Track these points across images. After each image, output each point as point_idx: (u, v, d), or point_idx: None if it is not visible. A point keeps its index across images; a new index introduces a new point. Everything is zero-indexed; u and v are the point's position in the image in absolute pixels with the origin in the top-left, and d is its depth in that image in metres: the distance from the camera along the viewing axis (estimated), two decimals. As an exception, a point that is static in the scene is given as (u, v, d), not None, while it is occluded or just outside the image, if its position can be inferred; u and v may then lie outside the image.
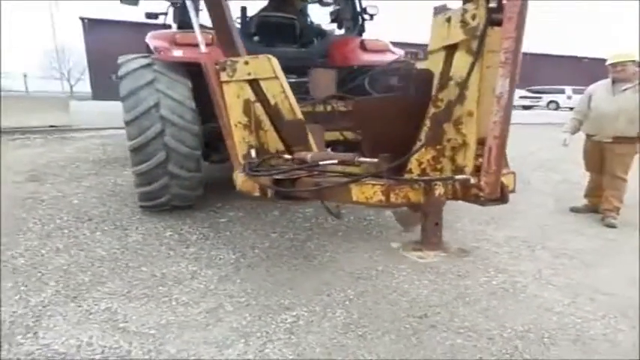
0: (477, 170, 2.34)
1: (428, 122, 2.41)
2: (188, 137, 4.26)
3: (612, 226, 4.56)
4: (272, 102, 3.38)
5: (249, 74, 3.31)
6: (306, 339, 2.52)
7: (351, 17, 5.90)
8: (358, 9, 5.84)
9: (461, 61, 2.29)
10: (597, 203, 4.92)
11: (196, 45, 4.43)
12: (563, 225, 4.58)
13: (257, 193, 2.88)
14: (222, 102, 3.39)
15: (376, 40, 5.33)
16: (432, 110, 2.40)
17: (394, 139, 2.54)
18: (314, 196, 2.74)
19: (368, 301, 2.97)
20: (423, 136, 2.43)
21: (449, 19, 2.31)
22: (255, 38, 5.59)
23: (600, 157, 4.84)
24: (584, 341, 2.55)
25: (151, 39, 4.80)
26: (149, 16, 6.35)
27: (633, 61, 4.73)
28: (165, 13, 6.15)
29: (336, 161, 2.67)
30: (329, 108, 4.20)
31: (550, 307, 2.90)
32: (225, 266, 3.45)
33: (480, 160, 2.30)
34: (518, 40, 2.01)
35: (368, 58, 5.10)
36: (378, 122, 2.60)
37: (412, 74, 2.73)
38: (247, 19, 5.97)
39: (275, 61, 3.44)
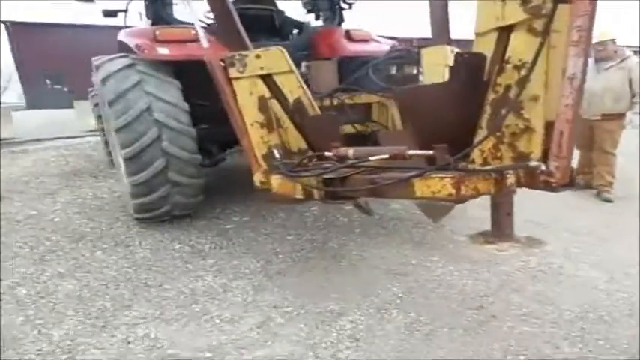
0: (543, 155, 2.24)
1: (488, 109, 2.27)
2: (187, 141, 3.99)
3: (609, 201, 4.75)
4: (290, 97, 3.21)
5: (261, 69, 3.11)
6: (374, 344, 2.39)
7: (329, 7, 5.77)
8: None
9: (520, 43, 2.16)
10: (590, 179, 5.11)
11: (182, 41, 4.19)
12: (564, 203, 4.70)
13: (299, 196, 2.70)
14: (233, 100, 3.16)
15: (360, 30, 5.24)
16: (491, 96, 2.27)
17: (446, 128, 2.38)
18: (370, 195, 2.59)
19: (418, 297, 2.88)
20: (484, 123, 2.29)
21: None
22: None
23: (589, 135, 5.02)
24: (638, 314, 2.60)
25: (128, 37, 4.45)
26: (107, 13, 5.89)
27: (612, 40, 4.93)
28: (126, 10, 5.74)
29: (387, 156, 2.53)
30: (335, 101, 4.06)
31: (594, 285, 2.95)
32: (255, 275, 3.24)
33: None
34: (592, 15, 1.89)
35: (356, 48, 4.99)
36: (429, 112, 2.47)
37: (462, 59, 2.52)
38: None
39: (287, 54, 3.26)
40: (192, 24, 5.04)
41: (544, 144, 2.22)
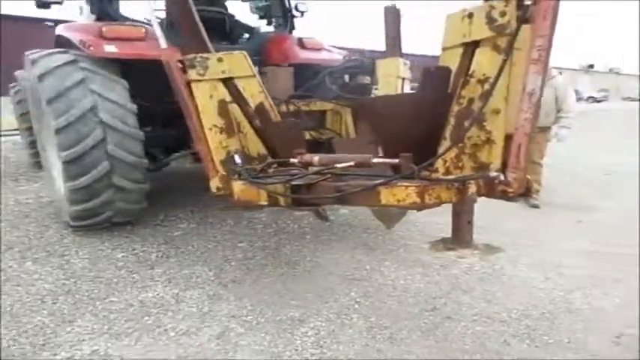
0: (502, 166, 2.30)
1: (452, 120, 2.34)
2: (133, 144, 3.81)
3: (536, 207, 5.15)
4: (251, 102, 3.16)
5: (223, 72, 3.04)
6: (339, 350, 2.40)
7: (282, 14, 5.77)
8: (287, 5, 5.73)
9: (484, 58, 2.26)
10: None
11: (131, 39, 3.99)
12: (497, 209, 5.01)
13: (264, 202, 2.65)
14: (190, 103, 3.05)
15: (311, 38, 5.30)
16: (455, 108, 2.33)
17: (411, 138, 2.45)
18: (336, 202, 2.58)
19: (375, 301, 2.93)
20: (448, 134, 2.37)
21: (470, 16, 2.28)
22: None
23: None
24: (575, 311, 2.83)
25: (70, 32, 4.18)
26: (40, 4, 5.47)
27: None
28: (60, 2, 5.37)
29: (352, 163, 2.54)
30: (291, 108, 4.05)
31: (534, 285, 3.17)
32: (208, 284, 3.13)
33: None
34: (551, 37, 2.01)
35: (308, 55, 5.04)
36: (394, 121, 2.52)
37: (429, 71, 2.61)
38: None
39: (249, 58, 3.22)
40: (141, 21, 4.85)
41: (503, 155, 2.30)
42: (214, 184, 3.02)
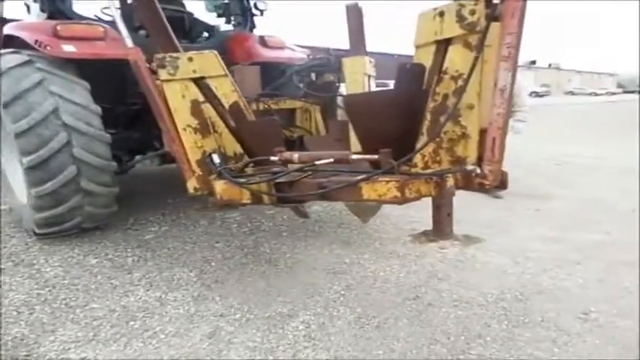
0: (478, 159, 2.36)
1: (428, 116, 2.39)
2: (100, 147, 3.71)
3: (499, 197, 5.41)
4: (225, 101, 3.17)
5: (194, 72, 3.04)
6: (331, 341, 2.46)
7: (241, 12, 5.75)
8: (246, 4, 5.72)
9: (457, 56, 2.33)
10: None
11: (89, 39, 3.88)
12: (463, 200, 5.23)
13: (247, 200, 2.67)
14: (162, 103, 3.02)
15: (273, 36, 5.32)
16: (431, 104, 2.39)
17: (388, 134, 2.51)
18: (319, 198, 2.65)
19: (359, 293, 3.01)
20: (425, 130, 2.41)
21: (442, 14, 2.34)
22: (142, 32, 5.05)
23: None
24: (544, 292, 3.02)
25: (21, 31, 4.00)
26: None
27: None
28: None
29: (331, 160, 2.60)
30: (261, 106, 4.06)
31: (504, 270, 3.35)
32: (191, 286, 3.11)
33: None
34: (519, 35, 2.07)
35: (271, 54, 5.06)
36: (372, 118, 2.58)
37: (404, 68, 2.64)
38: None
39: (220, 58, 3.23)
40: (95, 19, 4.70)
41: (479, 149, 2.36)
42: (191, 184, 3.01)
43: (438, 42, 2.40)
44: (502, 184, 2.37)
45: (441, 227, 2.48)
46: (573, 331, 2.53)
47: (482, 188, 2.34)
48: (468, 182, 2.37)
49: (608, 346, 2.40)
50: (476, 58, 2.23)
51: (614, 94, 73.32)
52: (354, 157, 2.53)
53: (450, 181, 2.35)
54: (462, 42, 2.28)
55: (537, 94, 57.34)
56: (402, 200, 2.35)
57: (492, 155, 2.19)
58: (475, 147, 2.35)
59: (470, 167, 2.33)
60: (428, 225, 2.75)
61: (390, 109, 2.54)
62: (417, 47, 2.53)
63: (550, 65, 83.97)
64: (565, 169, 7.38)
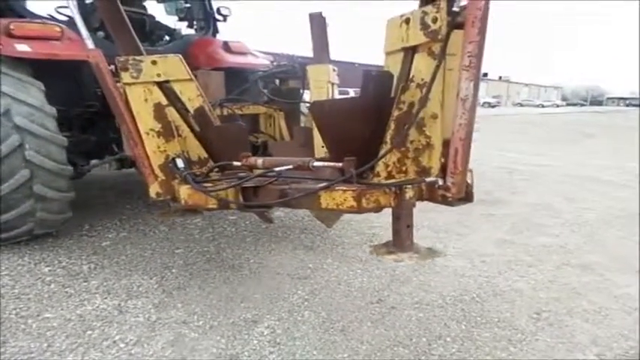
0: (442, 171, 2.29)
1: (392, 125, 2.33)
2: (55, 150, 3.57)
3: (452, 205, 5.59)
4: (189, 106, 3.14)
5: (159, 75, 2.99)
6: (295, 345, 2.47)
7: (204, 17, 5.70)
8: (209, 9, 5.67)
9: (422, 64, 2.26)
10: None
11: (44, 38, 3.75)
12: (418, 205, 5.39)
13: (212, 205, 2.64)
14: (124, 107, 2.96)
15: (237, 42, 5.30)
16: (395, 113, 2.33)
17: (354, 141, 2.43)
18: (281, 205, 2.62)
19: (323, 297, 3.04)
20: (388, 138, 2.35)
21: (407, 21, 2.30)
22: (100, 34, 4.90)
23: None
24: (500, 294, 3.16)
25: None
26: None
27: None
28: None
29: (291, 167, 2.55)
30: (225, 111, 4.03)
31: (462, 273, 3.47)
32: (152, 293, 3.03)
33: (443, 160, 2.30)
34: (481, 43, 1.98)
35: (235, 59, 5.05)
36: (339, 124, 2.51)
37: (370, 75, 2.57)
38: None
39: (184, 62, 3.20)
40: (49, 19, 4.52)
41: (442, 160, 2.31)
42: (154, 189, 2.94)
43: (405, 49, 2.38)
44: (467, 196, 2.35)
45: (401, 239, 2.38)
46: (527, 330, 2.66)
47: (445, 201, 2.29)
48: (432, 194, 2.32)
49: (558, 344, 2.54)
50: (437, 67, 2.19)
51: (559, 106, 77.60)
52: (317, 164, 2.49)
53: (410, 193, 2.29)
54: (427, 50, 2.25)
55: (489, 105, 59.83)
56: (358, 210, 2.29)
57: (455, 167, 2.15)
58: (438, 157, 2.31)
59: (430, 179, 2.30)
60: (389, 230, 2.60)
61: (356, 116, 2.47)
62: (387, 54, 2.54)
63: (500, 78, 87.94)
64: (514, 176, 7.74)
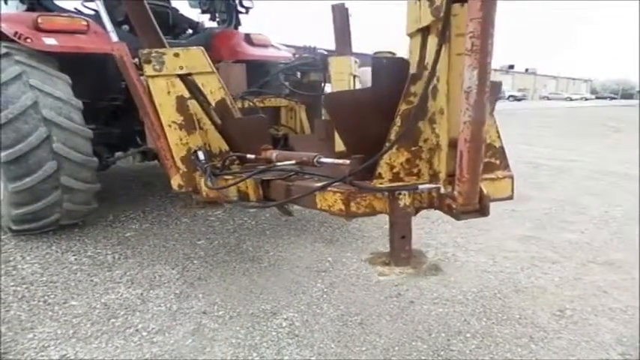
0: (452, 176, 1.96)
1: (398, 120, 2.04)
2: (81, 143, 3.65)
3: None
4: (211, 99, 3.16)
5: (181, 68, 3.02)
6: (314, 337, 2.48)
7: (226, 9, 5.72)
8: (231, 1, 5.69)
9: (433, 48, 1.91)
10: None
11: (71, 32, 3.82)
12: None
13: (233, 198, 2.66)
14: (147, 99, 3.00)
15: (259, 34, 5.31)
16: (402, 106, 2.03)
17: (369, 137, 2.17)
18: (285, 202, 2.57)
19: (342, 290, 3.04)
20: (392, 135, 2.06)
21: None
22: (125, 27, 4.98)
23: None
24: (522, 290, 3.10)
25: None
26: None
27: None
28: None
29: (293, 162, 2.51)
30: (247, 104, 4.06)
31: (483, 269, 3.43)
32: (174, 283, 3.08)
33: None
34: (486, 21, 1.60)
35: (257, 52, 5.06)
36: (353, 117, 2.25)
37: (381, 63, 2.32)
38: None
39: (207, 54, 3.22)
40: (76, 12, 4.61)
41: (448, 163, 1.99)
42: (176, 181, 2.99)
43: (420, 31, 2.06)
44: (481, 209, 1.97)
45: (395, 250, 2.13)
46: (549, 328, 2.61)
47: (451, 212, 1.99)
48: (439, 203, 2.05)
49: (582, 343, 2.48)
50: (437, 52, 1.85)
51: (587, 99, 75.43)
52: (323, 160, 2.41)
53: (405, 200, 2.03)
54: (435, 31, 1.90)
55: (515, 98, 58.53)
56: (347, 214, 2.11)
57: (460, 173, 1.83)
58: (444, 160, 1.99)
59: (424, 186, 2.04)
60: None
61: (369, 110, 2.21)
62: (410, 36, 2.18)
63: (527, 70, 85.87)
64: (540, 171, 7.57)
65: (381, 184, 2.07)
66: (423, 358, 2.33)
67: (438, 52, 1.82)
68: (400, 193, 2.01)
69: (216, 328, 2.55)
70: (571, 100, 68.76)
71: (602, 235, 4.22)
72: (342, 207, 2.07)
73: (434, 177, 2.07)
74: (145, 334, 2.49)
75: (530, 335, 2.54)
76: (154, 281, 3.11)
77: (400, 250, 2.11)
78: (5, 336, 2.44)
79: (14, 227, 3.70)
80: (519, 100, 59.09)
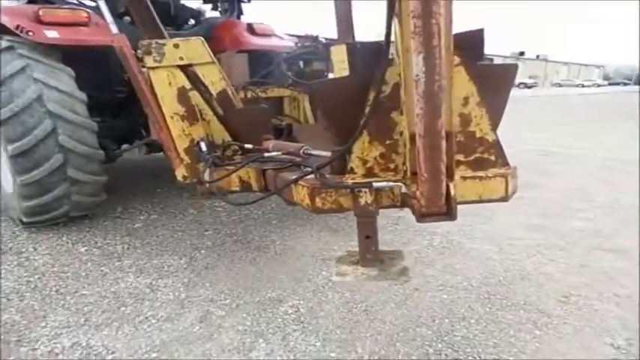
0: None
1: (367, 109, 1.85)
2: (87, 135, 3.70)
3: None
4: (212, 89, 3.17)
5: (181, 59, 3.03)
6: (319, 323, 2.52)
7: None
8: None
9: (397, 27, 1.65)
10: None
11: (73, 24, 3.84)
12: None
13: (236, 188, 2.69)
14: (148, 91, 3.03)
15: (262, 24, 5.31)
16: (371, 94, 1.84)
17: (352, 128, 1.94)
18: (269, 194, 2.56)
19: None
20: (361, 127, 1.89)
21: None
22: (126, 19, 4.98)
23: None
24: (527, 277, 3.11)
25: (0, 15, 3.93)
26: None
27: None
28: None
29: (279, 153, 2.52)
30: (249, 94, 4.07)
31: (489, 257, 3.43)
32: (181, 272, 3.14)
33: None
34: (427, 1, 1.38)
35: (259, 42, 5.06)
36: (335, 108, 2.07)
37: (355, 49, 2.24)
38: None
39: (207, 45, 3.22)
40: (77, 4, 4.63)
41: (412, 159, 1.77)
42: (180, 172, 3.02)
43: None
44: (449, 212, 1.75)
45: (361, 250, 2.03)
46: (554, 314, 2.62)
47: (413, 212, 1.81)
48: (405, 202, 1.91)
49: (586, 328, 2.49)
50: (387, 35, 1.64)
51: (600, 85, 74.29)
52: (310, 151, 2.39)
53: (367, 197, 1.88)
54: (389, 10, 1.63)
55: (526, 85, 57.81)
56: (313, 210, 2.01)
57: (420, 172, 1.65)
58: (408, 156, 1.81)
59: (381, 184, 1.89)
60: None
61: (350, 99, 1.96)
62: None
63: (538, 57, 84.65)
64: (549, 158, 7.51)
65: (353, 179, 1.93)
66: (427, 343, 2.35)
67: (387, 36, 1.62)
68: (360, 191, 1.87)
69: (224, 316, 2.60)
70: (583, 86, 67.83)
71: (610, 223, 4.19)
72: (309, 202, 1.98)
73: (412, 174, 1.81)
74: (154, 321, 2.54)
75: (535, 321, 2.55)
76: (163, 271, 3.16)
77: (365, 251, 2.01)
78: (19, 324, 2.50)
79: (25, 220, 3.77)
80: (530, 87, 58.39)
